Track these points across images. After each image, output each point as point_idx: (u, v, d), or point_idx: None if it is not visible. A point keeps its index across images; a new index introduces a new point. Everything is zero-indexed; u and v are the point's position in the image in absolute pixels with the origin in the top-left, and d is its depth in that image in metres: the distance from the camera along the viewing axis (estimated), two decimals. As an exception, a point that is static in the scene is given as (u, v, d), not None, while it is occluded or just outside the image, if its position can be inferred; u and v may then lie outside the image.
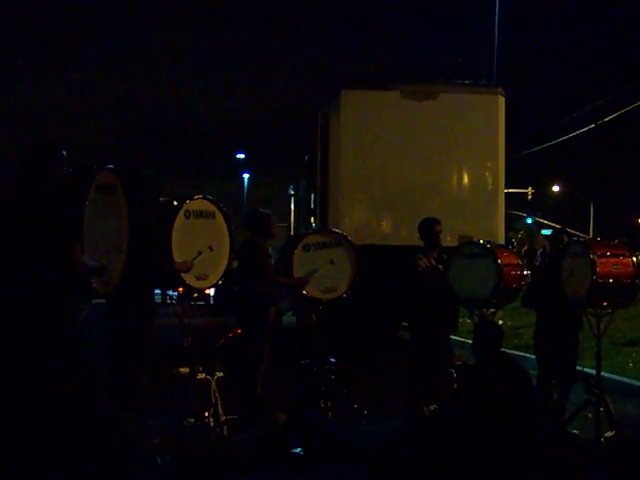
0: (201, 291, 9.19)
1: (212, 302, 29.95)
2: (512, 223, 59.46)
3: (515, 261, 10.59)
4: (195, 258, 8.56)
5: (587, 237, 21.90)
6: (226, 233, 9.05)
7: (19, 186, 6.73)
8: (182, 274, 8.48)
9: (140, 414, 7.88)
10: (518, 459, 7.83)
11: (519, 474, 7.79)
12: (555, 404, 9.86)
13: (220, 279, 9.07)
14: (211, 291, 27.75)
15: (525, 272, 11.66)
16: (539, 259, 11.10)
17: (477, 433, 7.78)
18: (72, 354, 5.31)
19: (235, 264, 9.60)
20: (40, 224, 6.43)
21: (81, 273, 6.52)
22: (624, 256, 9.38)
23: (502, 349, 8.55)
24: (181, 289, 9.08)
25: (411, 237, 11.84)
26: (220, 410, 8.93)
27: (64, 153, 6.78)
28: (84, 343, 6.45)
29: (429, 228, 10.73)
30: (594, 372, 9.59)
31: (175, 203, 8.57)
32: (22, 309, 6.44)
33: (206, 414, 8.75)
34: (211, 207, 8.93)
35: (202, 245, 8.68)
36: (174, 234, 8.37)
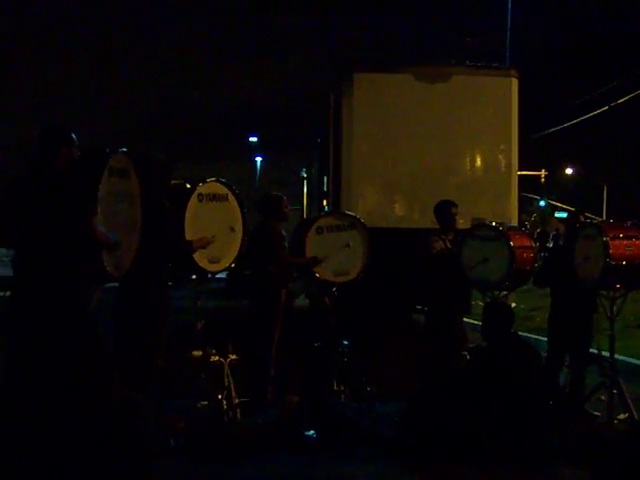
0: (213, 274, 9.16)
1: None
2: (525, 206, 59.33)
3: (528, 243, 10.57)
4: (213, 235, 8.56)
5: (600, 219, 21.82)
6: (239, 216, 9.04)
7: (32, 167, 6.77)
8: (195, 258, 8.48)
9: (158, 398, 7.91)
10: (530, 437, 7.86)
11: (532, 451, 7.83)
12: (570, 386, 9.88)
13: (233, 262, 9.06)
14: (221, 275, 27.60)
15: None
16: (552, 242, 11.06)
17: (489, 412, 7.81)
18: (86, 335, 5.32)
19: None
20: (56, 202, 6.47)
21: (102, 243, 6.56)
22: (637, 238, 9.34)
23: (513, 331, 8.58)
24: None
25: (424, 220, 11.84)
26: (233, 393, 8.94)
27: (74, 136, 6.83)
28: (97, 325, 6.48)
29: (445, 210, 10.71)
30: (607, 354, 9.58)
31: (188, 186, 8.56)
32: (34, 290, 6.51)
33: (219, 397, 8.75)
34: (224, 190, 8.92)
35: (215, 228, 8.67)
36: (187, 217, 8.36)
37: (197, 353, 8.79)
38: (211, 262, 8.75)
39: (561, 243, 10.75)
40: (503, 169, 15.28)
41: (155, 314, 8.17)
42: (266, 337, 9.94)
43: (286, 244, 10.36)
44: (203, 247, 8.49)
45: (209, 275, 8.98)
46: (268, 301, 9.97)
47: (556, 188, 68.65)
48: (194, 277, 8.96)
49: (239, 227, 9.04)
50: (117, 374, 5.13)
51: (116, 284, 7.91)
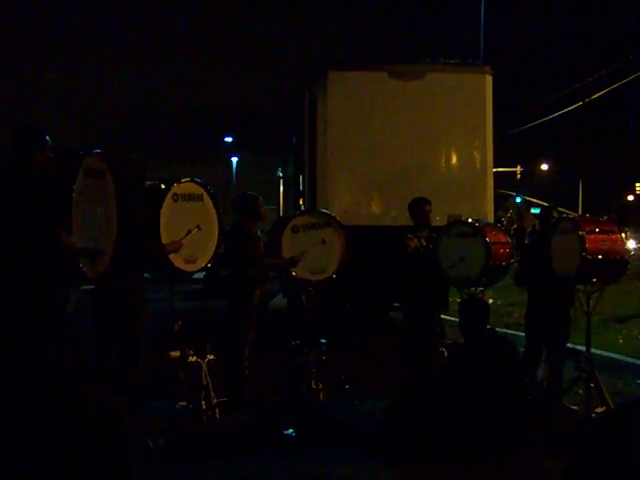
0: (189, 274, 9.12)
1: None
2: (501, 202, 59.46)
3: (503, 239, 10.61)
4: (184, 237, 8.52)
5: (575, 215, 21.93)
6: (214, 216, 9.01)
7: (5, 171, 6.73)
8: (171, 258, 8.46)
9: (138, 399, 7.89)
10: (508, 432, 7.89)
11: (510, 446, 7.85)
12: (548, 380, 9.92)
13: (209, 262, 9.04)
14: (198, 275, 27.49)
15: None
16: (528, 238, 11.11)
17: (468, 408, 7.83)
18: (60, 340, 5.31)
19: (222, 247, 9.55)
20: (25, 208, 6.43)
21: (72, 255, 6.51)
22: (613, 232, 9.38)
23: (490, 326, 8.61)
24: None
25: (400, 217, 11.84)
26: (212, 393, 8.93)
27: (48, 138, 6.79)
28: (73, 328, 6.46)
29: (419, 208, 10.73)
30: (584, 349, 9.61)
31: (163, 186, 8.53)
32: (7, 296, 6.46)
33: (198, 397, 8.74)
34: (199, 190, 8.89)
35: (190, 228, 8.64)
36: (162, 217, 8.33)
37: (175, 354, 8.77)
38: (187, 262, 8.73)
39: (536, 238, 10.76)
40: (478, 166, 15.33)
41: (133, 315, 8.15)
42: (239, 337, 9.91)
43: (261, 244, 10.32)
44: (175, 251, 8.47)
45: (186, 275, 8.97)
46: (241, 301, 9.93)
47: (532, 184, 68.89)
48: (175, 277, 8.92)
49: (214, 227, 9.01)
50: (94, 376, 5.12)
51: (92, 286, 7.89)
